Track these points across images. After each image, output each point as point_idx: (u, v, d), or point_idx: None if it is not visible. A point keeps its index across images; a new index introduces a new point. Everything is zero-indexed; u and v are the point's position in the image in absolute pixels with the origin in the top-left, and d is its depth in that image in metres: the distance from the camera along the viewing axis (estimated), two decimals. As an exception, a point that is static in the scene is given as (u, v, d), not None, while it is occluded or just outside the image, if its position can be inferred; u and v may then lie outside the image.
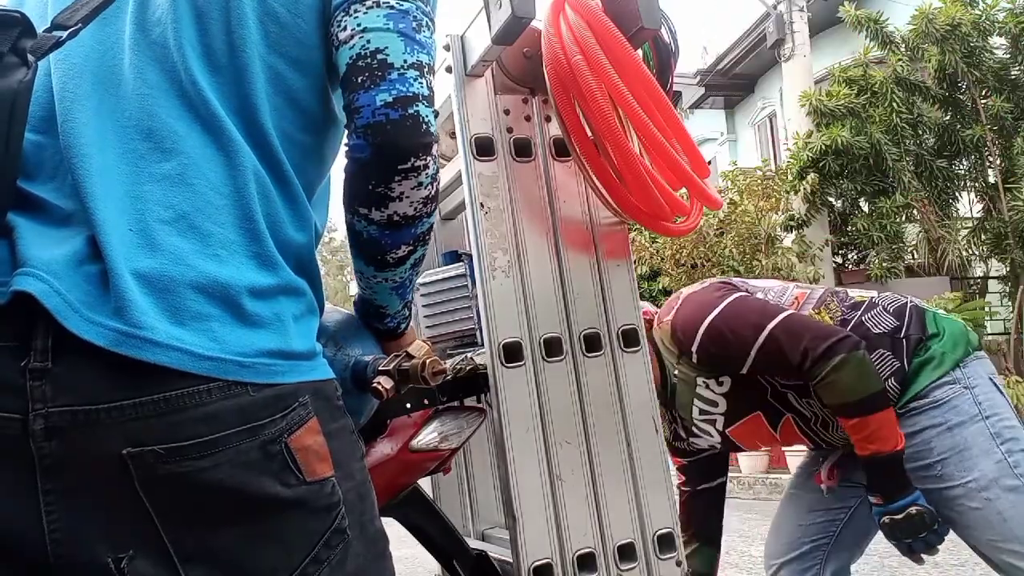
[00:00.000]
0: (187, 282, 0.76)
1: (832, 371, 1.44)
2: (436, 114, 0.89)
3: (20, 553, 0.73)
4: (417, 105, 0.85)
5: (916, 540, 1.47)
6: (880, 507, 1.48)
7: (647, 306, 1.65)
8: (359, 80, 0.85)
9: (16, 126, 0.72)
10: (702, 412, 1.67)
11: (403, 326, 1.07)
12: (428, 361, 1.02)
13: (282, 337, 0.80)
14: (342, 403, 0.88)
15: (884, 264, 7.58)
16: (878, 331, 1.57)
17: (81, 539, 0.73)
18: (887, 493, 1.46)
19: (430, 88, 0.89)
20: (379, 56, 0.85)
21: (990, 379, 1.55)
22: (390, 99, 0.84)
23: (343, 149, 0.91)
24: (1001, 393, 1.54)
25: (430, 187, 0.89)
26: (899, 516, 1.46)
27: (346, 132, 0.89)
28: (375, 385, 0.98)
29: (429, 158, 0.87)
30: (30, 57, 0.73)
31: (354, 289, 1.07)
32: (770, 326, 1.50)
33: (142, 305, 0.73)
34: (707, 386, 1.63)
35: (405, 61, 0.86)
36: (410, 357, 1.02)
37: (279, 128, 0.86)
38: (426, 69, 0.88)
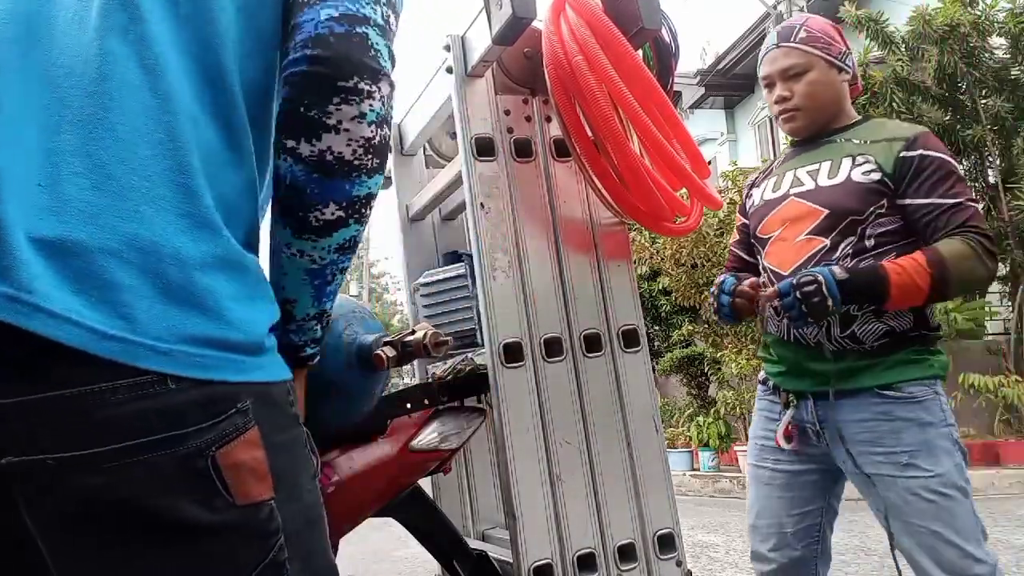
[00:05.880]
0: (96, 244, 0.63)
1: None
2: (392, 56, 0.79)
3: None
4: (367, 27, 0.76)
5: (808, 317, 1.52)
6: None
7: None
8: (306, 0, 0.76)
9: None
10: (810, 172, 1.73)
11: (308, 351, 0.84)
12: (430, 333, 1.06)
13: (216, 322, 0.67)
14: (296, 411, 0.75)
15: (884, 264, 7.56)
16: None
17: None
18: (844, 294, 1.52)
19: (385, 20, 0.78)
20: None
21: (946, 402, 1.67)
22: (335, 14, 0.75)
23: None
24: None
25: (375, 128, 0.76)
26: (817, 299, 1.49)
27: (284, 58, 0.78)
28: (378, 352, 1.01)
29: (376, 87, 0.75)
30: None
31: (354, 290, 1.05)
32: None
33: (34, 267, 0.61)
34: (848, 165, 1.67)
35: None
36: (412, 333, 1.07)
37: (241, 70, 0.76)
38: (382, 2, 0.79)
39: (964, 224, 1.58)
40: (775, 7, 8.68)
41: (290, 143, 0.75)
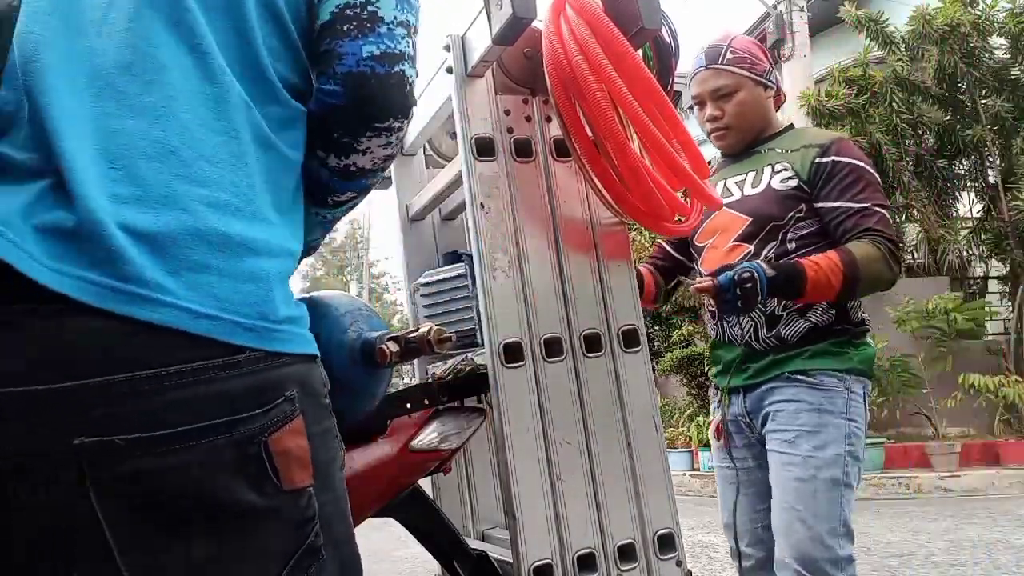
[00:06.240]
0: (182, 229, 0.66)
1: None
2: (417, 78, 0.86)
3: None
4: (403, 64, 0.81)
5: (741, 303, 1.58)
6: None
7: None
8: (345, 28, 0.80)
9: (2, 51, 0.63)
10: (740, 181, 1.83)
11: (319, 241, 1.01)
12: (433, 329, 1.08)
13: (280, 298, 0.72)
14: (329, 401, 0.79)
15: (884, 264, 7.56)
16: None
17: (26, 555, 0.62)
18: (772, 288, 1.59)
19: (415, 50, 0.84)
20: (369, 8, 0.80)
21: (864, 403, 1.73)
22: (377, 52, 0.79)
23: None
24: (865, 417, 1.73)
25: (395, 148, 0.86)
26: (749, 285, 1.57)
27: (316, 69, 0.83)
28: (381, 347, 1.02)
29: (405, 121, 0.84)
30: None
31: (353, 289, 1.07)
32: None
33: (129, 254, 0.63)
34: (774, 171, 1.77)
35: (395, 18, 0.81)
36: (416, 330, 1.09)
37: (275, 68, 0.79)
38: (412, 30, 0.84)
39: (871, 229, 1.67)
40: (775, 7, 8.67)
41: (320, 153, 0.84)
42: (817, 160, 1.72)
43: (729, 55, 1.81)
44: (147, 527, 0.63)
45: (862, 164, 1.72)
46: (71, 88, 0.69)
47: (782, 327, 1.72)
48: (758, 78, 1.81)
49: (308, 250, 0.96)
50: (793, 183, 1.73)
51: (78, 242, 0.63)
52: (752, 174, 1.81)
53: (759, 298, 1.55)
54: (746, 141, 1.85)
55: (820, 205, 1.72)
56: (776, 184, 1.75)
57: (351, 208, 0.95)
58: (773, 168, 1.77)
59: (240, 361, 0.67)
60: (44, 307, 0.61)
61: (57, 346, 0.61)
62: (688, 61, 1.91)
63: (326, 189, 0.88)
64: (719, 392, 1.87)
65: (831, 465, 1.63)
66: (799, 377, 1.70)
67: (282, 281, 0.74)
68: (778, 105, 1.90)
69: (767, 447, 1.73)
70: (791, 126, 1.91)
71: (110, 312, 0.62)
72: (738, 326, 1.78)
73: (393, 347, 1.03)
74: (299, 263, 0.84)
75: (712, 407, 1.93)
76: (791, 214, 1.72)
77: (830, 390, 1.69)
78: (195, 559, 0.65)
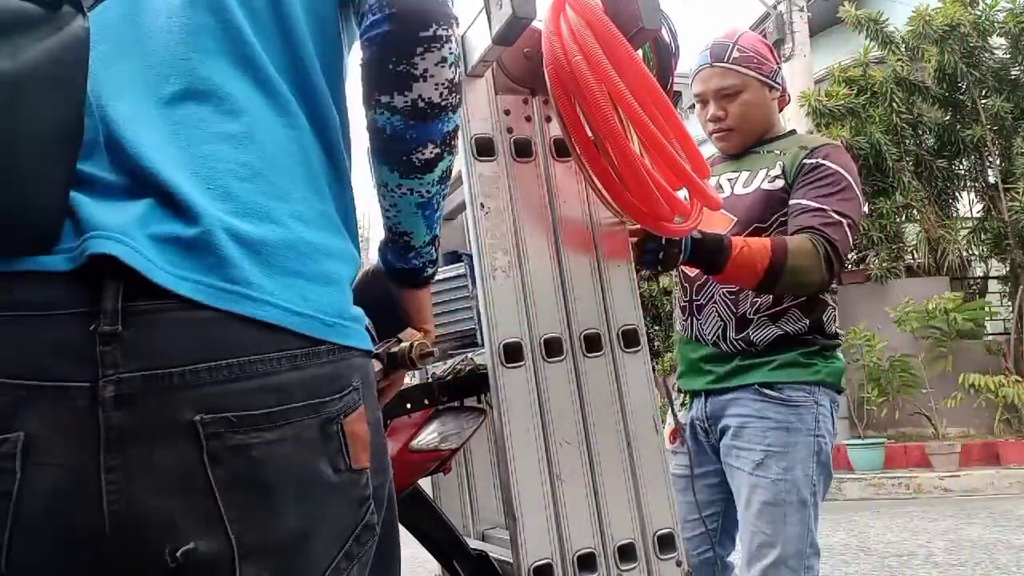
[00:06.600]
0: (277, 238, 0.75)
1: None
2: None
3: (79, 541, 0.69)
4: None
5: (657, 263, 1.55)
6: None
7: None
8: None
9: (84, 78, 0.70)
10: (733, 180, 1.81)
11: (429, 271, 1.01)
12: (416, 344, 1.05)
13: (349, 299, 0.81)
14: (375, 394, 0.87)
15: (884, 264, 7.58)
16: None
17: (140, 523, 0.69)
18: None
19: None
20: None
21: (832, 415, 1.70)
22: None
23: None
24: (834, 430, 1.70)
25: (455, 69, 0.85)
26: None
27: (359, 25, 0.87)
28: None
29: (451, 31, 0.84)
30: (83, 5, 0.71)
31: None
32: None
33: (237, 260, 0.72)
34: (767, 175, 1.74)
35: None
36: (399, 342, 1.06)
37: (331, 87, 0.86)
38: None
39: (817, 228, 1.61)
40: (775, 7, 8.68)
41: (384, 98, 0.85)
42: (804, 160, 1.69)
43: (736, 53, 1.76)
44: (250, 499, 0.71)
45: (843, 172, 1.68)
46: (146, 118, 0.76)
47: (752, 330, 1.69)
48: (764, 79, 1.77)
49: (423, 267, 0.99)
50: (780, 183, 1.70)
51: (193, 250, 0.71)
52: (746, 174, 1.78)
53: (680, 257, 1.50)
54: (747, 143, 1.81)
55: (790, 201, 1.68)
56: (766, 185, 1.72)
57: (445, 179, 0.92)
58: (768, 170, 1.74)
59: (321, 352, 0.75)
60: (165, 303, 0.70)
61: (177, 336, 0.70)
62: (692, 57, 1.87)
63: (406, 143, 0.87)
64: (681, 395, 1.83)
65: (801, 487, 1.60)
66: (766, 391, 1.66)
67: (349, 284, 0.83)
68: (781, 107, 1.86)
69: (731, 463, 1.69)
70: (793, 131, 1.88)
71: (219, 309, 0.71)
72: (707, 324, 1.74)
73: (376, 365, 1.01)
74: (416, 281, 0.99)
75: (673, 408, 1.89)
76: (775, 216, 1.69)
77: (798, 406, 1.64)
78: (285, 529, 0.72)
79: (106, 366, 0.68)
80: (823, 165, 1.68)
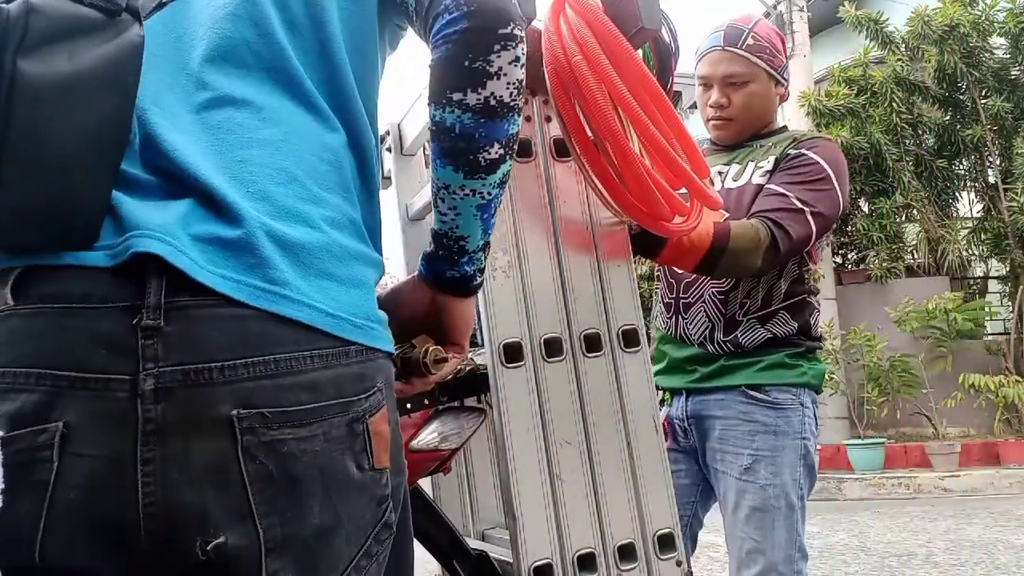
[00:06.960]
0: (313, 241, 0.77)
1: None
2: None
3: (113, 532, 0.70)
4: None
5: None
6: None
7: None
8: None
9: (136, 83, 0.72)
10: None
11: (478, 279, 1.00)
12: (430, 349, 1.03)
13: (375, 302, 0.84)
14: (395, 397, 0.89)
15: (884, 264, 7.59)
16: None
17: (173, 515, 0.70)
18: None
19: None
20: None
21: (815, 415, 1.69)
22: None
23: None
24: (816, 430, 1.70)
25: (523, 70, 0.86)
26: None
27: (431, 26, 0.87)
28: None
29: (523, 32, 0.85)
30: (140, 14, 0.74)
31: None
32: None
33: (275, 262, 0.74)
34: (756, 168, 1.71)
35: None
36: (413, 347, 1.04)
37: (365, 103, 0.89)
38: None
39: (770, 212, 1.56)
40: (775, 7, 8.68)
41: (457, 95, 0.84)
42: (789, 150, 1.67)
43: (751, 40, 1.69)
44: (280, 494, 0.72)
45: (823, 164, 1.62)
46: (183, 126, 0.79)
47: (740, 333, 1.66)
48: (774, 72, 1.72)
49: (472, 274, 0.98)
50: (766, 178, 1.67)
51: (234, 250, 0.74)
52: (736, 167, 1.74)
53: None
54: (744, 135, 1.77)
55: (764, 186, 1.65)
56: (755, 179, 1.68)
57: (503, 183, 0.91)
58: (757, 164, 1.70)
59: (350, 352, 0.78)
60: (205, 300, 0.72)
61: (216, 332, 0.72)
62: (704, 37, 1.78)
63: (474, 142, 0.86)
64: (660, 391, 1.79)
65: (789, 491, 1.60)
66: (752, 393, 1.64)
67: (375, 288, 0.86)
68: (781, 103, 1.83)
69: (717, 467, 1.67)
70: (784, 127, 1.85)
71: (259, 308, 0.73)
72: (693, 324, 1.70)
73: None
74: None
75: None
76: None
77: (785, 408, 1.63)
78: (311, 525, 0.74)
79: (147, 359, 0.69)
80: (804, 155, 1.64)
